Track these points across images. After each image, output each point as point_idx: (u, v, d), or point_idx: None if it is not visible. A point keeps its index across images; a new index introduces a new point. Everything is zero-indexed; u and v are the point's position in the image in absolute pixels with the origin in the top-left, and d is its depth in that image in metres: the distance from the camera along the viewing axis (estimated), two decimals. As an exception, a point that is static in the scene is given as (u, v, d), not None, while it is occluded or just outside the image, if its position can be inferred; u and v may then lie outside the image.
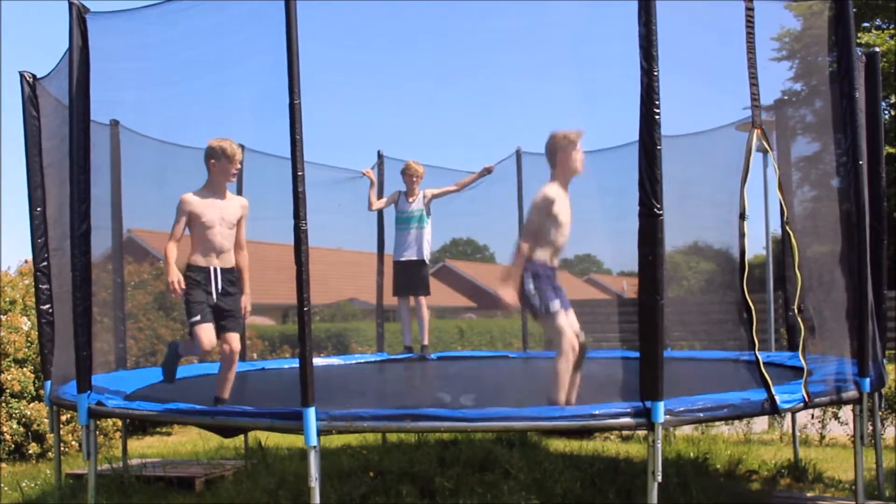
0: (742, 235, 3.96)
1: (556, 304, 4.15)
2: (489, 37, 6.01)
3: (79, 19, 4.24)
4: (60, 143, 4.80)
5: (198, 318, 4.64)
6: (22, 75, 5.24)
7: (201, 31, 4.55)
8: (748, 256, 3.99)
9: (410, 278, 7.51)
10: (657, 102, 3.44)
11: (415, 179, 7.46)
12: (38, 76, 5.30)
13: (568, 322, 4.17)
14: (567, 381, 4.06)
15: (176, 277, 4.54)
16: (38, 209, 5.20)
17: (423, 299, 7.55)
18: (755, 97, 4.08)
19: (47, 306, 5.15)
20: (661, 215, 3.42)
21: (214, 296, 4.67)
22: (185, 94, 5.26)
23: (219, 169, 4.69)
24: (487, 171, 7.67)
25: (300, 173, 3.59)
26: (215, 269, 4.69)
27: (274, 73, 3.62)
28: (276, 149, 4.83)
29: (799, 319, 4.38)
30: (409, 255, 7.46)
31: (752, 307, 3.87)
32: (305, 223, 3.60)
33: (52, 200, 5.18)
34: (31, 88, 5.24)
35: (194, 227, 4.70)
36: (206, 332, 4.65)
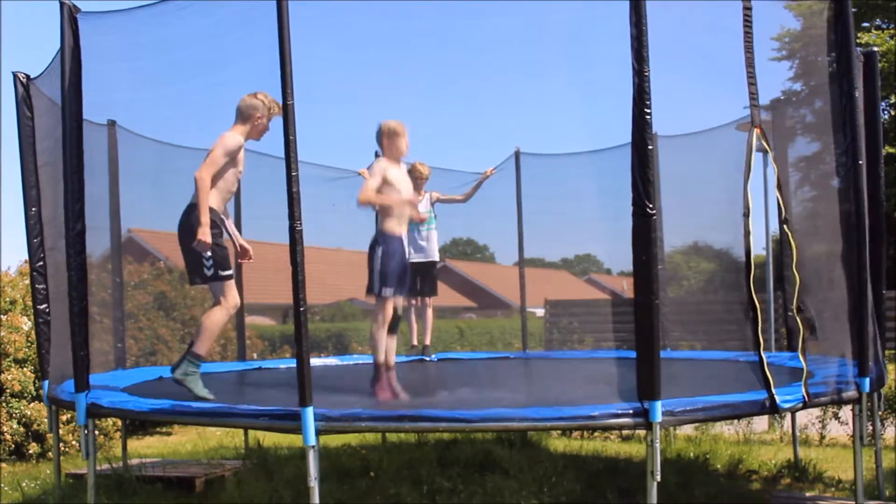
0: (747, 234, 3.96)
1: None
2: (486, 37, 6.01)
3: (70, 19, 4.23)
4: (55, 144, 4.80)
5: (230, 271, 4.53)
6: (15, 76, 5.24)
7: (195, 31, 4.55)
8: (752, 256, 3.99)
9: (418, 280, 7.53)
10: (648, 103, 3.44)
11: (420, 181, 7.46)
12: (32, 76, 5.29)
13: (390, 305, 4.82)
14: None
15: (209, 221, 4.41)
16: (34, 209, 5.20)
17: (429, 300, 7.58)
18: (754, 96, 4.08)
19: (44, 306, 5.15)
20: (653, 215, 3.43)
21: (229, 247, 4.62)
22: (178, 94, 5.26)
23: (262, 125, 4.67)
24: (487, 176, 7.71)
25: (294, 174, 3.60)
26: (224, 218, 4.64)
27: (268, 73, 3.63)
28: (273, 149, 4.83)
29: (798, 319, 4.38)
30: (417, 257, 7.48)
31: (758, 306, 3.87)
32: (300, 224, 3.60)
33: (47, 200, 5.18)
34: (24, 89, 5.23)
35: (226, 170, 4.61)
36: (234, 290, 4.58)
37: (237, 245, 4.98)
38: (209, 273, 4.54)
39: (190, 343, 4.72)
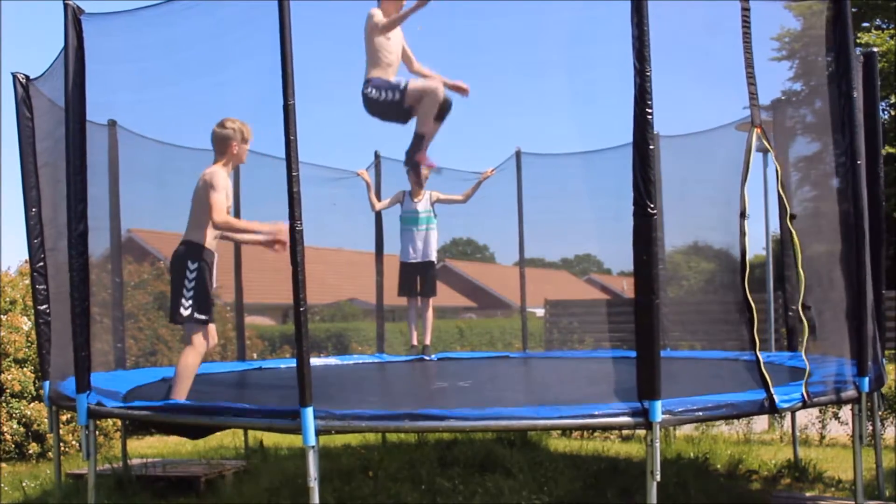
0: (743, 234, 3.96)
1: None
2: (486, 37, 6.02)
3: (74, 21, 4.23)
4: (55, 144, 4.80)
5: (207, 316, 4.47)
6: (15, 76, 5.25)
7: (196, 31, 4.55)
8: (748, 256, 4.00)
9: (418, 280, 7.53)
10: (650, 103, 3.45)
11: (420, 179, 7.46)
12: (31, 77, 5.30)
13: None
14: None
15: (261, 226, 4.51)
16: (34, 209, 5.20)
17: (429, 300, 7.58)
18: (753, 96, 4.09)
19: (44, 306, 5.15)
20: (654, 215, 3.44)
21: (213, 285, 4.55)
22: (179, 94, 5.26)
23: (240, 152, 4.66)
24: (486, 176, 7.72)
25: (295, 174, 3.60)
26: (215, 256, 4.61)
27: (270, 74, 3.63)
28: (273, 149, 4.83)
29: (803, 317, 4.38)
30: (417, 257, 7.48)
31: (753, 306, 3.87)
32: (301, 224, 3.60)
33: (47, 201, 5.19)
34: (24, 90, 5.24)
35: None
36: (212, 333, 4.55)
37: (262, 240, 4.79)
38: (186, 313, 4.45)
39: (167, 390, 4.57)
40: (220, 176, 4.54)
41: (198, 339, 4.50)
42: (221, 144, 4.62)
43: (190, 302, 4.45)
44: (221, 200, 4.47)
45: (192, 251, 4.52)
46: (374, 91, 5.31)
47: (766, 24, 4.64)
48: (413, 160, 5.73)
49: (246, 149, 4.70)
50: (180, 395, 4.43)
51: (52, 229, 5.13)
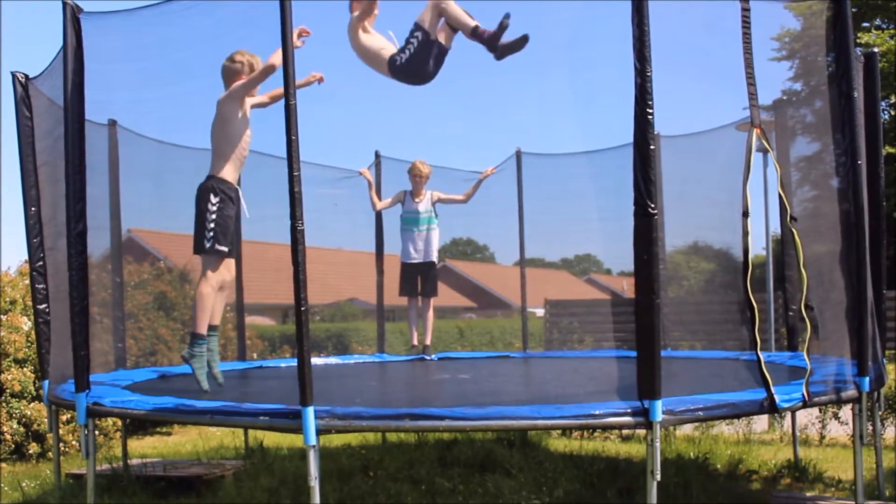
0: (745, 234, 3.96)
1: None
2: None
3: (73, 20, 4.23)
4: (54, 143, 4.81)
5: (226, 248, 4.64)
6: (14, 76, 5.25)
7: (197, 31, 4.56)
8: (749, 256, 4.00)
9: (419, 280, 7.53)
10: (650, 103, 3.45)
11: (420, 179, 7.46)
12: (31, 76, 5.30)
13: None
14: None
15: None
16: (33, 209, 5.21)
17: (430, 301, 7.58)
18: (753, 96, 4.08)
19: (44, 306, 5.15)
20: (655, 215, 3.44)
21: (234, 220, 4.72)
22: (179, 94, 5.27)
23: (259, 80, 4.73)
24: (486, 175, 7.72)
25: (296, 174, 3.60)
26: (239, 190, 4.76)
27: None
28: (274, 149, 4.85)
29: (806, 317, 4.38)
30: (418, 258, 7.48)
31: (755, 306, 3.87)
32: (302, 223, 3.60)
33: (46, 200, 5.19)
34: (23, 89, 5.24)
35: (239, 134, 4.72)
36: (230, 267, 4.70)
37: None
38: (208, 245, 4.66)
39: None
40: (232, 89, 4.70)
41: (212, 270, 4.70)
42: (230, 78, 4.78)
43: (211, 234, 4.66)
44: (236, 89, 4.65)
45: (214, 184, 4.73)
46: (402, 55, 5.06)
47: (766, 24, 4.64)
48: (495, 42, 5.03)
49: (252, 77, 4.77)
50: (200, 328, 4.72)
51: (51, 229, 5.14)
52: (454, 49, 5.17)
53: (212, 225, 4.65)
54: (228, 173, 4.78)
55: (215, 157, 4.82)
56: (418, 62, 5.04)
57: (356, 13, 5.15)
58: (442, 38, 5.05)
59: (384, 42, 5.23)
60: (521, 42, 4.95)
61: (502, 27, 4.91)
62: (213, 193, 4.70)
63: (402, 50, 5.09)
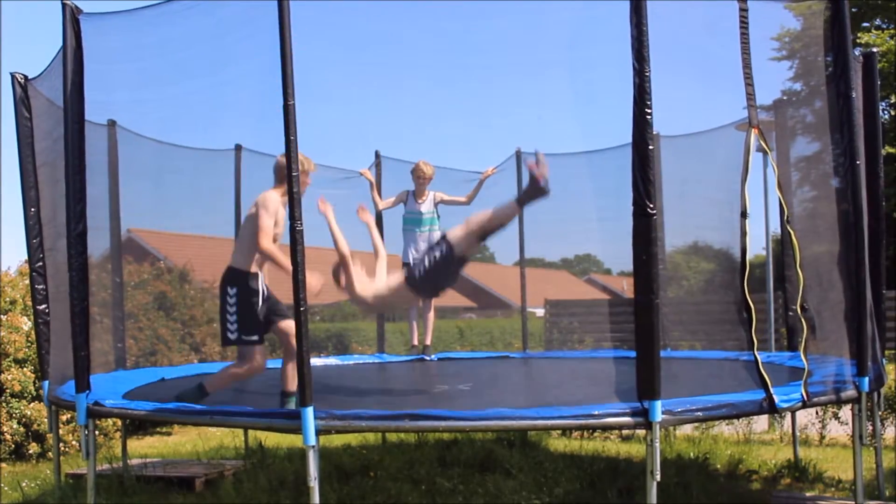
0: (743, 234, 3.97)
1: None
2: (486, 37, 6.00)
3: (72, 20, 4.23)
4: (53, 144, 4.81)
5: (256, 337, 4.56)
6: (13, 76, 5.25)
7: (196, 31, 4.55)
8: (748, 256, 4.00)
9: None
10: (649, 103, 3.45)
11: (423, 180, 7.45)
12: (30, 77, 5.30)
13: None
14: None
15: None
16: (33, 209, 5.21)
17: (431, 301, 7.56)
18: (751, 97, 4.09)
19: (44, 306, 5.15)
20: (654, 215, 3.44)
21: (261, 304, 4.59)
22: (179, 94, 5.26)
23: (303, 183, 4.54)
24: (487, 175, 7.71)
25: (295, 174, 3.60)
26: (260, 274, 4.64)
27: (270, 74, 3.62)
28: (274, 149, 4.83)
29: (802, 318, 4.39)
30: (417, 259, 7.45)
31: (752, 307, 3.87)
32: (301, 224, 3.60)
33: (45, 201, 5.19)
34: (22, 89, 5.24)
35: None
36: (262, 352, 4.61)
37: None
38: (233, 337, 4.59)
39: (199, 383, 4.73)
40: (273, 200, 4.59)
41: (249, 359, 4.61)
42: (281, 173, 4.63)
43: (235, 326, 4.57)
44: (269, 225, 4.52)
45: (232, 276, 4.62)
46: (418, 267, 5.00)
47: (765, 24, 4.64)
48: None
49: (307, 182, 4.70)
50: (211, 389, 4.64)
51: (51, 229, 5.14)
52: (454, 49, 5.17)
53: (234, 318, 4.57)
54: (248, 264, 4.64)
55: (237, 246, 4.74)
56: (437, 274, 4.97)
57: (342, 284, 5.09)
58: (464, 251, 4.95)
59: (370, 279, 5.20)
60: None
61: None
62: (230, 285, 4.61)
63: (419, 260, 5.06)
